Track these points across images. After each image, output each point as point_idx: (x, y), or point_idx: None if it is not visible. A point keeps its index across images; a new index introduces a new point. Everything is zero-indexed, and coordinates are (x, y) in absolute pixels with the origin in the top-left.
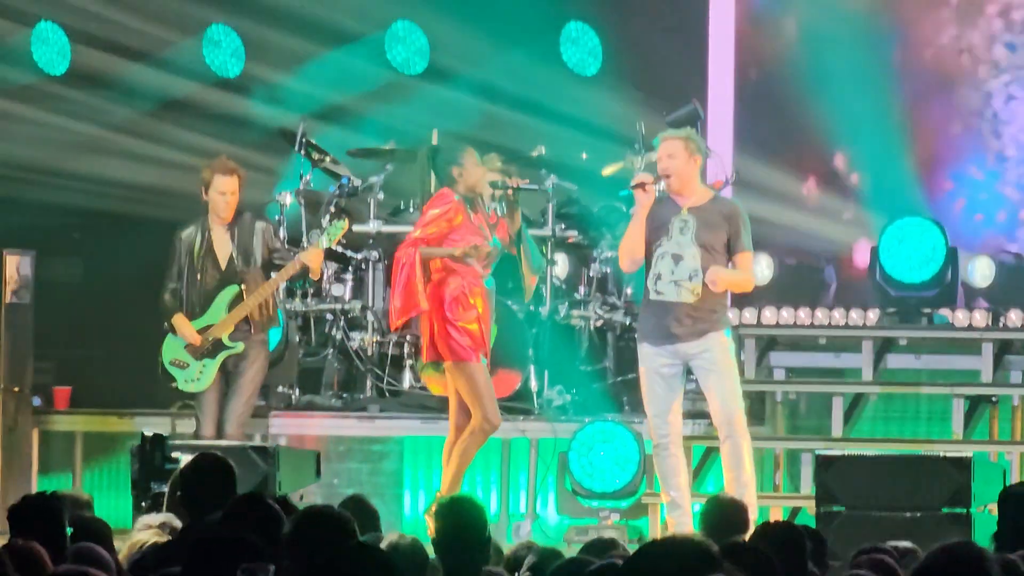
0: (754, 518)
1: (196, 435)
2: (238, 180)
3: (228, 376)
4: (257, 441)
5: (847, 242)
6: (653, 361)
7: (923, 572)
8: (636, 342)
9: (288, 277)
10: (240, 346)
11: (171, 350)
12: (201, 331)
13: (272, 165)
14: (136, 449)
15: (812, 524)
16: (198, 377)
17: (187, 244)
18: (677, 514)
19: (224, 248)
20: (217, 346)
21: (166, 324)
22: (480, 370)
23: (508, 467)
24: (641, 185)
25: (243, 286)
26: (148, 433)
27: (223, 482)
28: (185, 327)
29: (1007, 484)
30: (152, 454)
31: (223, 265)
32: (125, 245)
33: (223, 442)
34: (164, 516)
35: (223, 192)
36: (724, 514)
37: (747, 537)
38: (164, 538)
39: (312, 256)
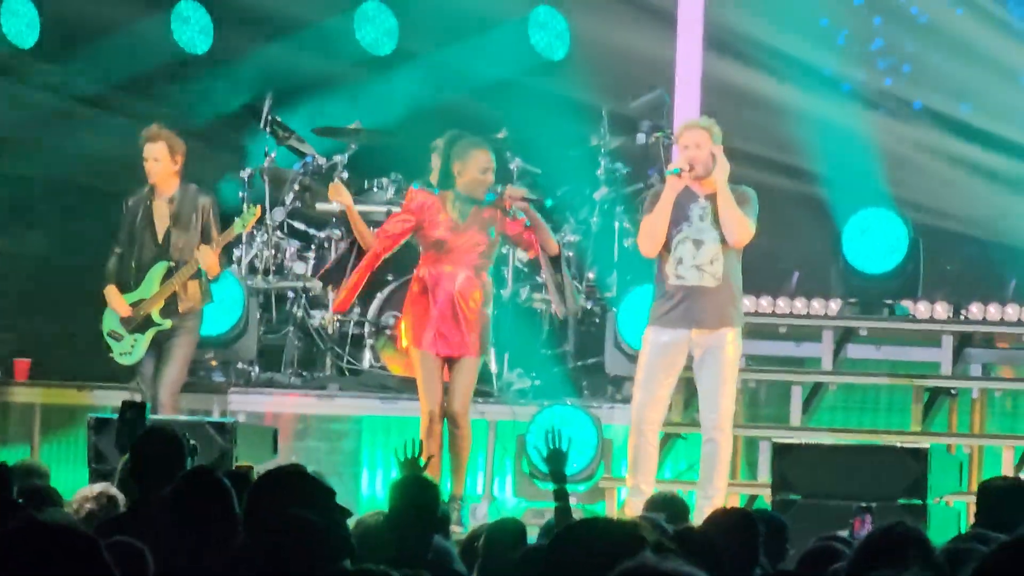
0: None
1: None
2: (165, 147)
3: (160, 348)
4: (215, 417)
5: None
6: (661, 347)
7: (865, 549)
8: (597, 327)
9: (194, 270)
10: (168, 323)
11: (109, 321)
12: (133, 305)
13: (237, 142)
14: (93, 422)
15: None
16: (130, 350)
17: (131, 212)
18: (639, 499)
19: (162, 220)
20: (147, 321)
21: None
22: None
23: None
24: (680, 171)
25: (175, 261)
26: (129, 400)
27: (173, 456)
28: (115, 299)
29: (963, 477)
30: (135, 421)
31: (159, 237)
32: (89, 217)
33: (183, 417)
34: (102, 486)
35: (146, 158)
36: (665, 507)
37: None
38: (101, 504)
39: (204, 255)
